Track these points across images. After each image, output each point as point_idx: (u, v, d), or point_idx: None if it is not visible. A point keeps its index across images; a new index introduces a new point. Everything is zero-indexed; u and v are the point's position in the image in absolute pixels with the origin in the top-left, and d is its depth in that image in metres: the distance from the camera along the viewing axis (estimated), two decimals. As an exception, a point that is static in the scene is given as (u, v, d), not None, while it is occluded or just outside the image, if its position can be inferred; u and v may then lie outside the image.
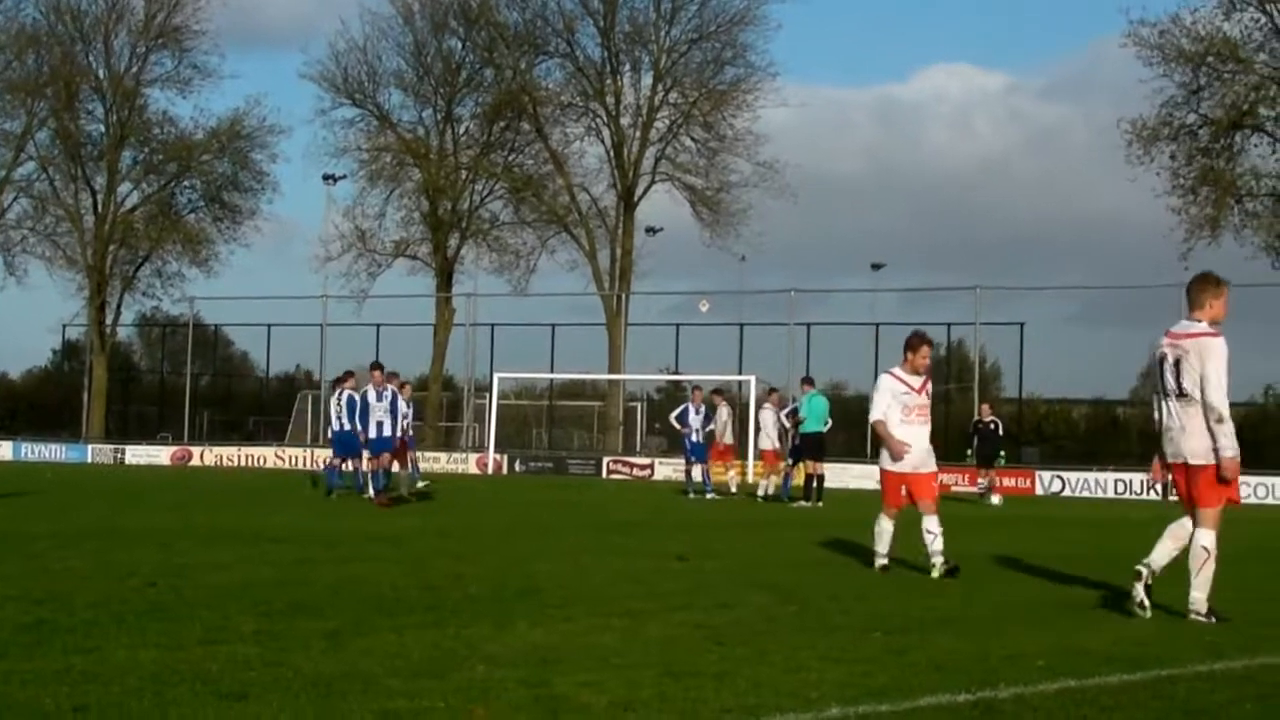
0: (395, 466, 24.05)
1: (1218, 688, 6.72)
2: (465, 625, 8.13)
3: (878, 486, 12.84)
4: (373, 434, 22.67)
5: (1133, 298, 47.07)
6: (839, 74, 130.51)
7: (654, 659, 7.10)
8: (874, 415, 12.16)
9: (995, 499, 30.42)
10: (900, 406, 12.08)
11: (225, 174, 60.07)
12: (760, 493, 27.72)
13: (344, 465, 25.28)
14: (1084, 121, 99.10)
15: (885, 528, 12.32)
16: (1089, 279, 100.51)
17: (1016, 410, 47.00)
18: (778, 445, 28.45)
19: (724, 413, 25.59)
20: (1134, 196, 67.86)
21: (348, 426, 24.20)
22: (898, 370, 12.28)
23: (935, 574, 11.79)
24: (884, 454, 12.17)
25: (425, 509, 21.76)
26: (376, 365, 23.69)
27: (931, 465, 12.27)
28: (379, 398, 22.74)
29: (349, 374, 25.34)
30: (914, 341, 12.26)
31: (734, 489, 30.10)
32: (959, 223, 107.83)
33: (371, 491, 22.78)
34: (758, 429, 28.35)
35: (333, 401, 25.47)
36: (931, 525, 11.97)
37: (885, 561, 12.25)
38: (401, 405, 23.66)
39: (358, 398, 23.81)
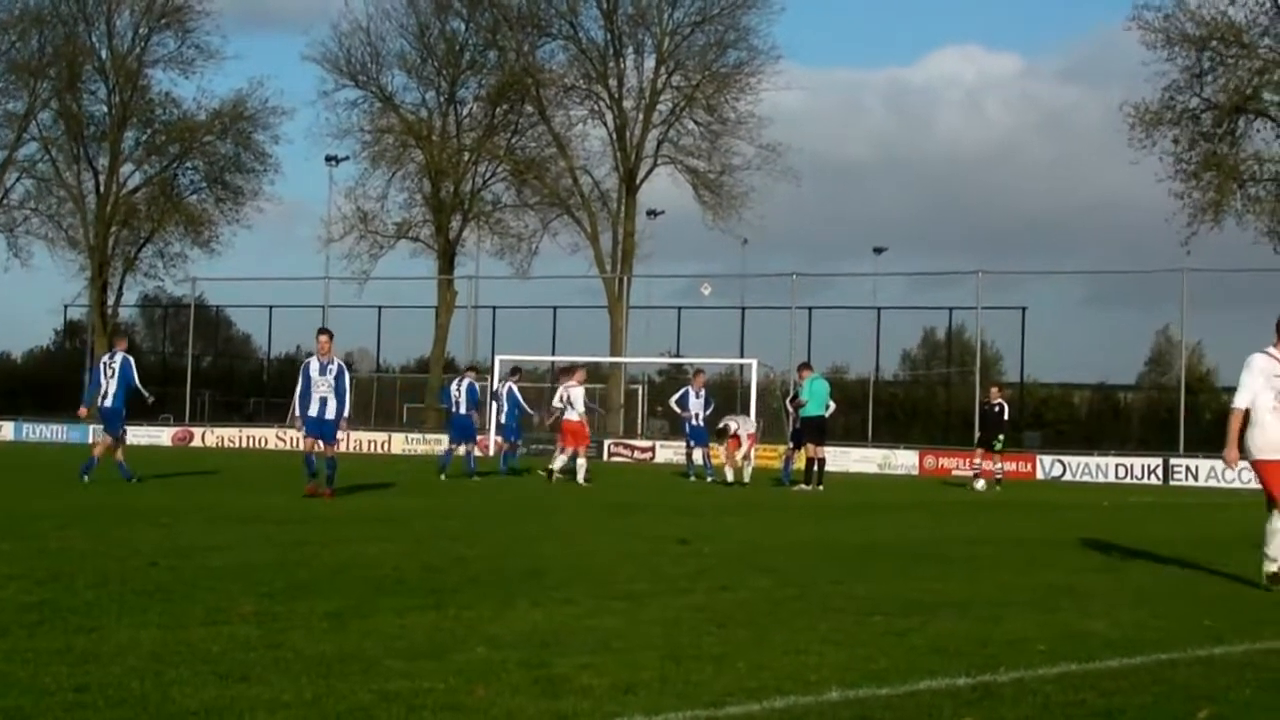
0: (476, 451, 26.58)
1: (1217, 672, 6.72)
2: (466, 607, 8.13)
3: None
4: (313, 413, 18.70)
5: (1136, 282, 47.04)
6: (849, 57, 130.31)
7: (655, 641, 7.10)
8: (1238, 402, 10.52)
9: (979, 484, 29.24)
10: (1274, 392, 10.42)
11: (227, 155, 60.22)
12: (730, 478, 26.97)
13: (459, 449, 26.90)
14: (1093, 105, 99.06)
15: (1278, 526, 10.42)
16: (1094, 264, 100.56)
17: (1017, 394, 47.03)
18: (750, 430, 27.93)
19: (576, 393, 25.40)
20: (1140, 181, 67.60)
21: (464, 411, 26.73)
22: (1272, 349, 10.51)
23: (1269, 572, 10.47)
24: (1259, 443, 10.50)
25: (427, 490, 21.76)
26: (324, 331, 19.52)
27: None
28: (323, 371, 18.69)
29: (471, 367, 28.30)
30: None
31: (583, 472, 29.48)
32: (963, 207, 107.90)
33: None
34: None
35: (453, 387, 27.46)
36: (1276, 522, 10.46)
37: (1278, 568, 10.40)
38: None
39: (472, 387, 26.75)
